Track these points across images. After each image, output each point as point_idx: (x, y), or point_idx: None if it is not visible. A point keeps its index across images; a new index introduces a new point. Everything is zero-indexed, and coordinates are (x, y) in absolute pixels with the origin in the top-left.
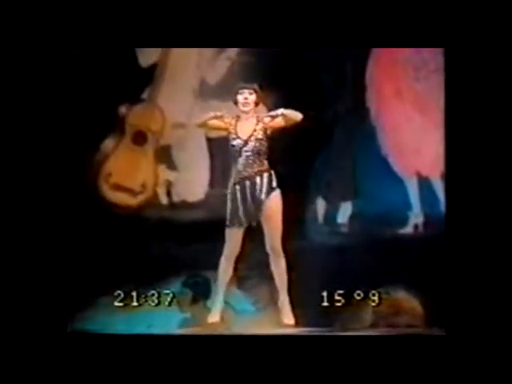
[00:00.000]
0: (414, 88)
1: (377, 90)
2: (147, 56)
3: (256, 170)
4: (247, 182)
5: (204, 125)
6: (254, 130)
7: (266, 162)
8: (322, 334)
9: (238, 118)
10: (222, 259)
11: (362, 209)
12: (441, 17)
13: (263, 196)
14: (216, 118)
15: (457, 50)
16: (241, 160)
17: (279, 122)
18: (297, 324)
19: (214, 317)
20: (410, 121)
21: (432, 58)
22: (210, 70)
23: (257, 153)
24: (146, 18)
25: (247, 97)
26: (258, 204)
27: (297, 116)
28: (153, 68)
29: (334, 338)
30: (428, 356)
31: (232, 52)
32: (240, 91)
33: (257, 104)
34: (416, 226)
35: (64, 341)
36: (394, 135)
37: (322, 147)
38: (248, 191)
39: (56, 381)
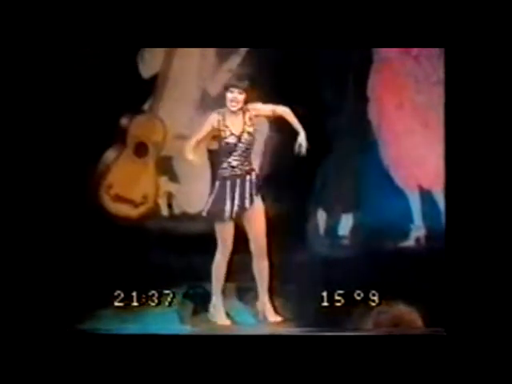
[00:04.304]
0: (416, 100)
1: (378, 102)
2: (148, 67)
3: (247, 168)
4: (238, 181)
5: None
6: (245, 124)
7: (251, 159)
8: (322, 334)
9: (223, 114)
10: (217, 255)
11: (364, 221)
12: (441, 17)
13: (252, 196)
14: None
15: (457, 50)
16: (235, 156)
17: (266, 112)
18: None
19: (220, 318)
20: (412, 133)
21: (433, 71)
22: (210, 81)
23: (248, 148)
24: (146, 23)
25: (236, 96)
26: (244, 203)
27: (285, 112)
28: (154, 79)
29: (334, 338)
30: (428, 356)
31: (233, 64)
32: (230, 89)
33: (245, 102)
34: (418, 239)
35: (64, 342)
36: (396, 148)
37: (324, 159)
38: (237, 190)
39: (56, 381)
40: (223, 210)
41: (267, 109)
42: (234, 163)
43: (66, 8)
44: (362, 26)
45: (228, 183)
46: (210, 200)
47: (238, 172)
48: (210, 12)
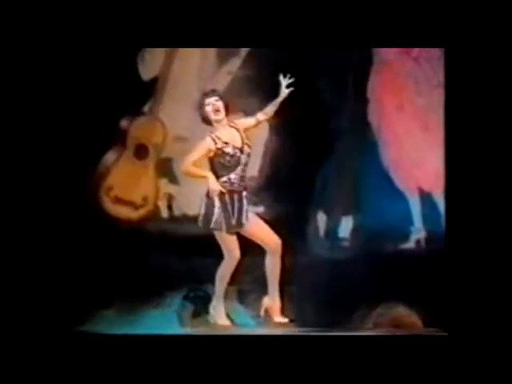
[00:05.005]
0: (416, 102)
1: (378, 103)
2: (149, 69)
3: (244, 184)
4: (235, 196)
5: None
6: (242, 137)
7: (247, 177)
8: (321, 334)
9: (216, 135)
10: (224, 268)
11: (364, 223)
12: (441, 17)
13: (248, 211)
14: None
15: (457, 51)
16: (238, 171)
17: (251, 124)
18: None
19: (221, 319)
20: (412, 135)
21: (433, 74)
22: (211, 83)
23: (248, 161)
24: (146, 24)
25: (215, 103)
26: (242, 218)
27: (266, 113)
28: (154, 81)
29: (334, 338)
30: (428, 356)
31: (233, 66)
32: (206, 102)
33: (226, 110)
34: (418, 242)
35: (65, 343)
36: (396, 150)
37: (324, 161)
38: (236, 204)
39: (57, 381)
40: (230, 223)
41: (251, 121)
42: (234, 178)
43: (66, 10)
44: (362, 26)
45: (227, 198)
46: (216, 212)
47: (236, 188)
48: (210, 12)
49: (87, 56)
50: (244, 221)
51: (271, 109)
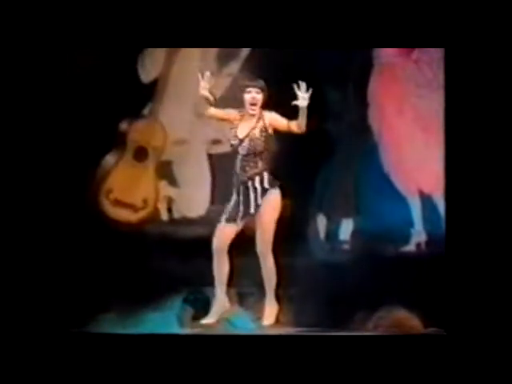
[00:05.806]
0: (416, 105)
1: (379, 107)
2: (148, 71)
3: (250, 173)
4: (241, 187)
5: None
6: (252, 129)
7: (260, 164)
8: (321, 334)
9: (242, 116)
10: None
11: (364, 226)
12: (441, 17)
13: (259, 200)
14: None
15: (457, 51)
16: (237, 161)
17: (282, 126)
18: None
19: (210, 318)
20: (412, 138)
21: (433, 76)
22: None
23: (252, 153)
24: (146, 24)
25: (255, 96)
26: (249, 208)
27: (299, 126)
28: (154, 84)
29: (334, 339)
30: (428, 356)
31: (233, 69)
32: (247, 90)
33: (263, 105)
34: (418, 244)
35: (64, 345)
36: (396, 152)
37: (324, 164)
38: (242, 197)
39: (57, 381)
40: (234, 217)
41: (283, 124)
42: (238, 170)
43: (65, 10)
44: (362, 26)
45: (234, 190)
46: (229, 208)
47: (241, 178)
48: (210, 12)
49: (87, 57)
50: (252, 211)
51: (303, 122)
